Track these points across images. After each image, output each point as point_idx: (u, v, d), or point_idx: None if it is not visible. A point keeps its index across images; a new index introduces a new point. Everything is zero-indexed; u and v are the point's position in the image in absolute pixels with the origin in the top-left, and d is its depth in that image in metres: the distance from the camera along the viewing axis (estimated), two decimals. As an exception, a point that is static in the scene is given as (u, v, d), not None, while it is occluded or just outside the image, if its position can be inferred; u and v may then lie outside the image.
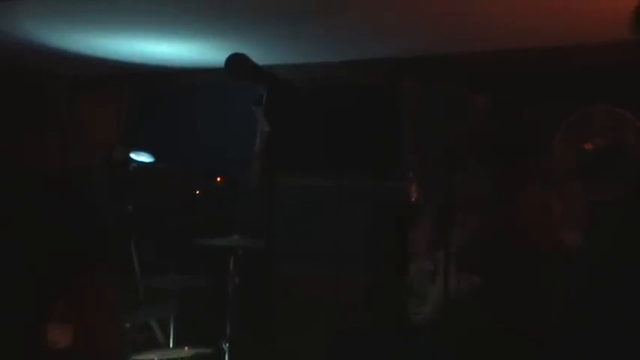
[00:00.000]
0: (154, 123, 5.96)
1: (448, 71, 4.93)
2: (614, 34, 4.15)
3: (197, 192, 5.22)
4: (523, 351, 3.31)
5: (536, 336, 3.30)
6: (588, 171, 3.56)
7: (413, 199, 3.66)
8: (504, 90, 4.20)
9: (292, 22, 4.41)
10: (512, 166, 3.37)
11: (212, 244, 4.63)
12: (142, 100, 6.31)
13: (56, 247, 1.79)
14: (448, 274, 3.32)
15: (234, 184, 5.00)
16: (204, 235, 4.62)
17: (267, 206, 1.95)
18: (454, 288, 3.33)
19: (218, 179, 5.09)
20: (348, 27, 4.42)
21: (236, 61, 1.98)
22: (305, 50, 5.17)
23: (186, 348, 4.66)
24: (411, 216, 3.72)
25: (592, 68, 4.49)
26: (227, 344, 4.68)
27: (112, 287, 1.88)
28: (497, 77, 4.75)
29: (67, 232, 1.84)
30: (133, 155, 5.41)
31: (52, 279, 1.77)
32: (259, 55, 2.28)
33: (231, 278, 4.69)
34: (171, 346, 4.79)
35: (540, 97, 4.73)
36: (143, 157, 5.51)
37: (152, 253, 5.29)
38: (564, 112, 4.33)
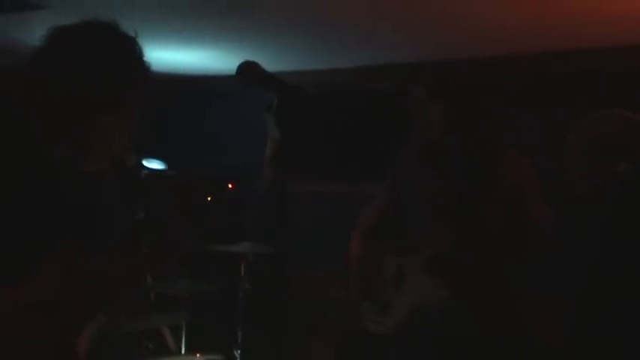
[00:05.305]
0: (166, 130, 5.97)
1: (460, 76, 4.93)
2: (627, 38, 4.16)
3: (208, 198, 5.21)
4: None
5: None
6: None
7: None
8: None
9: (303, 29, 4.42)
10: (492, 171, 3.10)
11: (223, 250, 4.63)
12: (154, 107, 6.33)
13: None
14: (420, 281, 3.04)
15: (245, 191, 5.00)
16: (215, 242, 4.63)
17: (277, 212, 1.95)
18: (426, 297, 3.03)
19: (229, 186, 5.10)
20: (359, 33, 4.42)
21: (247, 68, 1.97)
22: (316, 56, 5.18)
23: (197, 354, 4.66)
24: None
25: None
26: (239, 350, 4.68)
27: None
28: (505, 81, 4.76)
29: None
30: (144, 162, 5.42)
31: None
32: (270, 62, 2.29)
33: (243, 284, 4.70)
34: (182, 352, 4.80)
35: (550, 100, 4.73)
36: (155, 164, 5.52)
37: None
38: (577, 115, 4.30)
